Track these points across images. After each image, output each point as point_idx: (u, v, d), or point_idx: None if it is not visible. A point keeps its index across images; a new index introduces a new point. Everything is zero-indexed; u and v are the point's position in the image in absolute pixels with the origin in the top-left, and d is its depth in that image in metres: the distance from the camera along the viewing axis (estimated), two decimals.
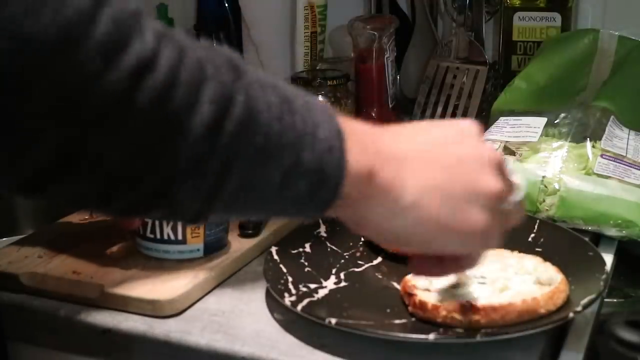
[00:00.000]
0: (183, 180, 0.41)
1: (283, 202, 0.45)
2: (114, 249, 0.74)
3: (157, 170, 0.41)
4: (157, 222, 0.70)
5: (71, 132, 0.38)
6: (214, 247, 0.73)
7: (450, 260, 0.51)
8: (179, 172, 0.41)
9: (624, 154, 0.83)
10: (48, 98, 0.37)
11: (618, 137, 0.85)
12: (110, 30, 0.37)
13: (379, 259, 0.73)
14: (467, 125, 0.51)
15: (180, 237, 0.71)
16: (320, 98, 1.00)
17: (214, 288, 0.70)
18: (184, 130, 0.40)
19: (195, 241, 0.72)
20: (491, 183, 0.48)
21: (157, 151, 0.40)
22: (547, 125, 0.87)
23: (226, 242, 0.75)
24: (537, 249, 0.72)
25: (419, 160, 0.47)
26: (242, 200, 0.43)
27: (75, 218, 0.84)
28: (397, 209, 0.46)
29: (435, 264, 0.52)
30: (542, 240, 0.74)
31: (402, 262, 0.71)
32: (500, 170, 0.50)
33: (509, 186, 0.50)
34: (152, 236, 0.71)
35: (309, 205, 0.45)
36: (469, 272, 0.64)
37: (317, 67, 1.13)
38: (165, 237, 0.71)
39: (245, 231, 0.77)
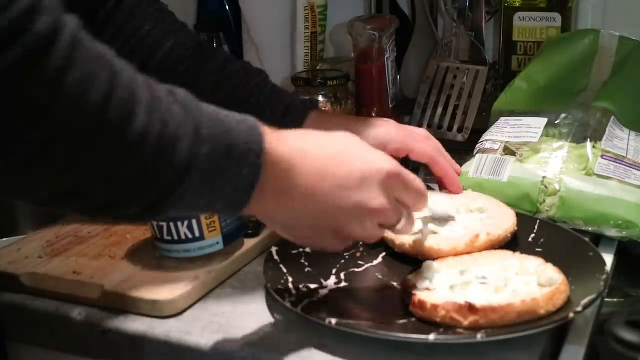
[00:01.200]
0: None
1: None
2: None
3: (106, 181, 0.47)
4: (171, 224, 0.70)
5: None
6: (232, 237, 0.74)
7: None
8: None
9: (624, 155, 0.83)
10: None
11: (618, 138, 0.85)
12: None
13: (379, 259, 0.73)
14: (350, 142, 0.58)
15: (197, 234, 0.71)
16: (320, 98, 1.00)
17: (214, 288, 0.70)
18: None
19: (213, 235, 0.72)
20: (370, 199, 0.56)
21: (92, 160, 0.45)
22: (547, 125, 0.87)
23: (242, 230, 0.76)
24: (537, 249, 0.72)
25: (303, 196, 0.55)
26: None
27: (75, 218, 0.84)
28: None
29: None
30: (542, 240, 0.74)
31: (402, 262, 0.71)
32: (396, 179, 0.58)
33: (388, 206, 0.57)
34: (169, 238, 0.71)
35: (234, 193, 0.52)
36: (472, 275, 0.64)
37: (317, 67, 1.13)
38: (183, 236, 0.71)
39: (246, 231, 0.77)
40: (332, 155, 0.56)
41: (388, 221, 0.58)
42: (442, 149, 0.82)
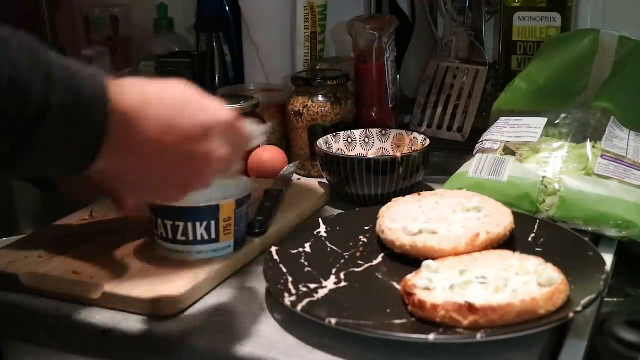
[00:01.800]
0: None
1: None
2: None
3: None
4: (189, 224, 0.70)
5: None
6: (241, 242, 0.74)
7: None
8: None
9: (624, 155, 0.83)
10: None
11: (618, 138, 0.85)
12: None
13: (379, 259, 0.73)
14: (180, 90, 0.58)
15: (214, 235, 0.71)
16: (320, 98, 1.00)
17: (214, 288, 0.70)
18: None
19: (228, 238, 0.72)
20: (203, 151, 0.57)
21: None
22: (547, 125, 0.87)
23: (247, 236, 0.76)
24: (537, 249, 0.72)
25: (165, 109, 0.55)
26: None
27: (75, 218, 0.84)
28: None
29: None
30: (542, 240, 0.74)
31: (402, 262, 0.71)
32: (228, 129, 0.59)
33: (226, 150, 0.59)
34: (183, 239, 0.71)
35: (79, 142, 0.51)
36: (472, 275, 0.64)
37: (317, 67, 1.13)
38: (199, 237, 0.71)
39: (252, 230, 0.77)
40: (174, 106, 0.56)
41: (229, 168, 0.61)
42: None
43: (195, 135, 0.56)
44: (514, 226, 0.72)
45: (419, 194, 0.81)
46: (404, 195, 0.82)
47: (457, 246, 0.68)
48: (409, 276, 0.64)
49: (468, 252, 0.68)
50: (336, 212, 0.86)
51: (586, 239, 0.73)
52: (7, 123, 0.47)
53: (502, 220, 0.72)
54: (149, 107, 0.54)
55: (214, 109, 0.58)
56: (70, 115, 0.49)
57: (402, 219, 0.74)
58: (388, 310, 0.62)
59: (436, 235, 0.71)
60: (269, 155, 0.98)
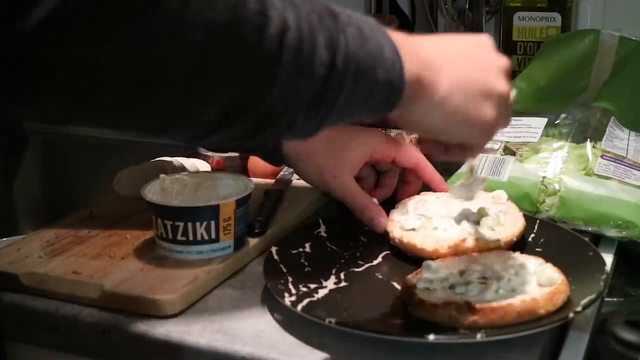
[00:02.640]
0: (306, 113, 0.50)
1: (365, 110, 0.55)
2: None
3: (292, 107, 0.49)
4: (189, 224, 0.70)
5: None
6: (241, 242, 0.74)
7: (457, 147, 0.65)
8: (305, 108, 0.50)
9: (625, 155, 0.83)
10: None
11: (618, 138, 0.85)
12: None
13: (379, 259, 0.73)
14: (483, 39, 0.64)
15: (214, 235, 0.71)
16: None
17: (214, 288, 0.70)
18: (310, 74, 0.48)
19: (227, 238, 0.72)
20: (502, 85, 0.61)
21: (291, 94, 0.49)
22: (547, 125, 0.87)
23: (246, 237, 0.76)
24: (537, 249, 0.72)
25: (449, 65, 0.58)
26: (342, 115, 0.53)
27: (75, 218, 0.84)
28: (433, 104, 0.57)
29: (443, 150, 0.65)
30: (542, 240, 0.74)
31: (402, 262, 0.71)
32: (507, 75, 0.62)
33: (511, 89, 0.63)
34: (183, 239, 0.71)
35: (380, 109, 0.56)
36: (473, 273, 0.64)
37: None
38: (199, 237, 0.71)
39: (253, 230, 0.77)
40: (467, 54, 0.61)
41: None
42: (424, 157, 0.84)
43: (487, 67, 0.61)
44: (515, 238, 0.71)
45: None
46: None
47: (439, 248, 0.69)
48: (409, 276, 0.65)
49: (453, 255, 0.68)
50: (336, 212, 0.86)
51: (586, 239, 0.73)
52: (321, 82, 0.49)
53: (505, 229, 0.72)
54: (447, 62, 0.59)
55: (489, 53, 0.63)
56: (360, 99, 0.53)
57: (411, 212, 0.75)
58: (388, 310, 0.62)
59: (427, 234, 0.71)
60: None
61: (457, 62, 0.60)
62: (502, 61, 0.63)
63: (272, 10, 0.46)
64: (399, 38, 0.56)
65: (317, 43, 0.48)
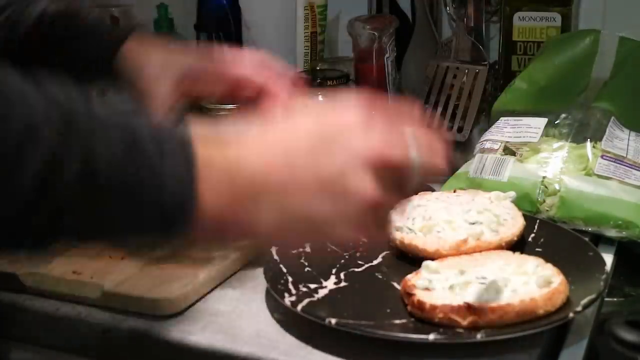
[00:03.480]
0: (18, 222, 0.42)
1: (132, 236, 0.47)
2: None
3: None
4: None
5: None
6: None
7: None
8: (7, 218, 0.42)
9: (625, 155, 0.83)
10: None
11: (618, 138, 0.85)
12: None
13: (379, 259, 0.73)
14: (346, 118, 0.49)
15: None
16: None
17: (214, 288, 0.70)
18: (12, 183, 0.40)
19: None
20: (363, 194, 0.48)
21: None
22: (547, 125, 0.87)
23: None
24: (537, 249, 0.72)
25: (279, 188, 0.47)
26: (90, 238, 0.47)
27: None
28: (254, 238, 0.52)
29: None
30: (542, 240, 0.74)
31: (402, 262, 0.71)
32: (383, 166, 0.49)
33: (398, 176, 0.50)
34: None
35: (160, 236, 0.47)
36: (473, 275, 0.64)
37: (317, 67, 1.13)
38: None
39: None
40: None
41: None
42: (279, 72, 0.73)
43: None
44: (516, 238, 0.71)
45: (455, 191, 0.81)
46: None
47: (440, 249, 0.69)
48: (409, 276, 0.64)
49: (454, 255, 0.68)
50: None
51: (586, 239, 0.73)
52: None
53: (507, 229, 0.72)
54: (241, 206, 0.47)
55: (346, 152, 0.48)
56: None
57: (411, 214, 0.74)
58: (388, 310, 0.62)
59: (428, 235, 0.71)
60: None
61: (291, 182, 0.47)
62: (366, 153, 0.48)
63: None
64: (210, 152, 0.45)
65: (26, 154, 0.40)
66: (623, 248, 0.77)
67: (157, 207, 0.44)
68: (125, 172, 0.43)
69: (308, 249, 0.73)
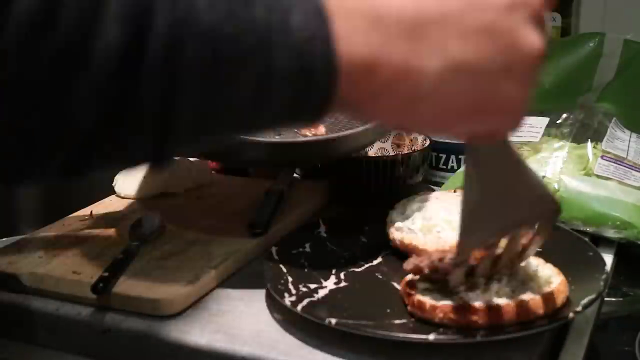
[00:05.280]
0: (108, 132, 0.32)
1: (262, 117, 0.36)
2: None
3: (72, 126, 0.32)
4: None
5: None
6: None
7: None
8: (99, 124, 0.32)
9: (625, 156, 0.83)
10: None
11: (619, 139, 0.85)
12: None
13: (379, 259, 0.73)
14: None
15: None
16: None
17: (214, 288, 0.70)
18: (83, 66, 0.30)
19: None
20: (532, 43, 0.39)
21: (57, 103, 0.31)
22: (549, 125, 0.87)
23: None
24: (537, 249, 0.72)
25: (437, 26, 0.36)
26: (206, 128, 0.35)
27: (75, 218, 0.84)
28: (417, 98, 0.37)
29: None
30: None
31: (402, 262, 0.71)
32: (540, 18, 0.39)
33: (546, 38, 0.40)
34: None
35: (297, 115, 0.37)
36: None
37: None
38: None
39: (254, 230, 0.77)
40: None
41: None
42: None
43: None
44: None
45: (455, 191, 0.81)
46: (405, 196, 0.82)
47: (440, 249, 0.69)
48: (409, 276, 0.64)
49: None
50: (336, 212, 0.86)
51: (586, 239, 0.73)
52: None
53: None
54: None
55: None
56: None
57: (411, 214, 0.74)
58: (388, 310, 0.62)
59: (428, 235, 0.71)
60: None
61: (451, 20, 0.37)
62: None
63: None
64: None
65: (97, 10, 0.30)
66: (623, 248, 0.77)
67: (292, 59, 0.33)
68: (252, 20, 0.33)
69: (308, 249, 0.73)
